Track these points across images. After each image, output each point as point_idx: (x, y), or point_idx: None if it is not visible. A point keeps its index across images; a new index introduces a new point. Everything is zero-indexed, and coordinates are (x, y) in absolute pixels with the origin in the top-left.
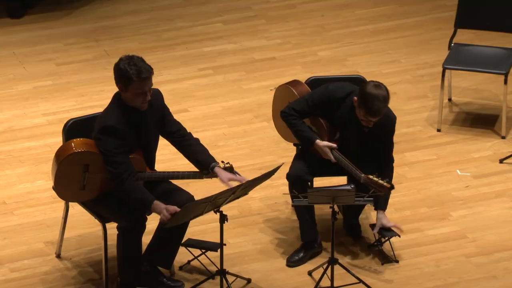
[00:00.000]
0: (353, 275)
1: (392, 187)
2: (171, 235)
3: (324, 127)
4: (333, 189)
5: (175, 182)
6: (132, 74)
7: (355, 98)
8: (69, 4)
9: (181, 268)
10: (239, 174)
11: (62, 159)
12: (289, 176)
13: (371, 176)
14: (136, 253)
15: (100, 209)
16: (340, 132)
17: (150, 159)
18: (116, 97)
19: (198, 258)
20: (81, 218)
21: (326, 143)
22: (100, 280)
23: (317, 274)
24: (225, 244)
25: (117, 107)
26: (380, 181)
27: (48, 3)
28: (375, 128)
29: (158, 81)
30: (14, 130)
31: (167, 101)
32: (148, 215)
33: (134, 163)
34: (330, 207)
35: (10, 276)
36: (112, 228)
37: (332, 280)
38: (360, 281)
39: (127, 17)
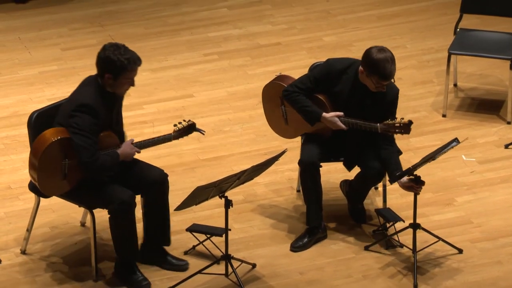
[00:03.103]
0: (435, 236)
1: (411, 122)
2: (158, 234)
3: (325, 102)
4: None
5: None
6: (126, 64)
7: (361, 68)
8: None
9: (186, 253)
10: (203, 131)
11: (42, 152)
12: (301, 162)
13: (387, 122)
14: (131, 230)
15: (85, 198)
16: (343, 105)
17: (120, 135)
18: (91, 80)
19: (203, 243)
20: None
21: (332, 113)
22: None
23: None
24: (230, 229)
25: (94, 90)
26: (398, 121)
27: None
28: (379, 97)
29: (164, 66)
30: (19, 115)
31: (172, 86)
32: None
33: (108, 140)
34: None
35: (16, 261)
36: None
37: (414, 244)
38: (439, 239)
39: (132, 2)
